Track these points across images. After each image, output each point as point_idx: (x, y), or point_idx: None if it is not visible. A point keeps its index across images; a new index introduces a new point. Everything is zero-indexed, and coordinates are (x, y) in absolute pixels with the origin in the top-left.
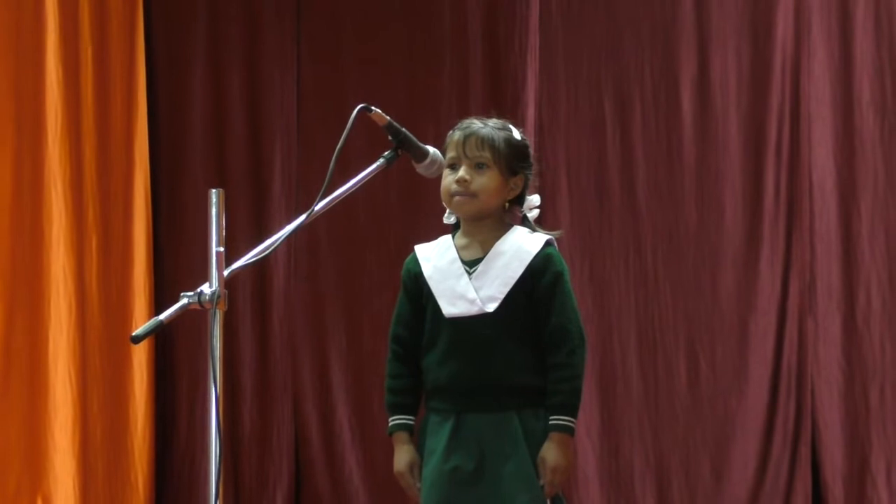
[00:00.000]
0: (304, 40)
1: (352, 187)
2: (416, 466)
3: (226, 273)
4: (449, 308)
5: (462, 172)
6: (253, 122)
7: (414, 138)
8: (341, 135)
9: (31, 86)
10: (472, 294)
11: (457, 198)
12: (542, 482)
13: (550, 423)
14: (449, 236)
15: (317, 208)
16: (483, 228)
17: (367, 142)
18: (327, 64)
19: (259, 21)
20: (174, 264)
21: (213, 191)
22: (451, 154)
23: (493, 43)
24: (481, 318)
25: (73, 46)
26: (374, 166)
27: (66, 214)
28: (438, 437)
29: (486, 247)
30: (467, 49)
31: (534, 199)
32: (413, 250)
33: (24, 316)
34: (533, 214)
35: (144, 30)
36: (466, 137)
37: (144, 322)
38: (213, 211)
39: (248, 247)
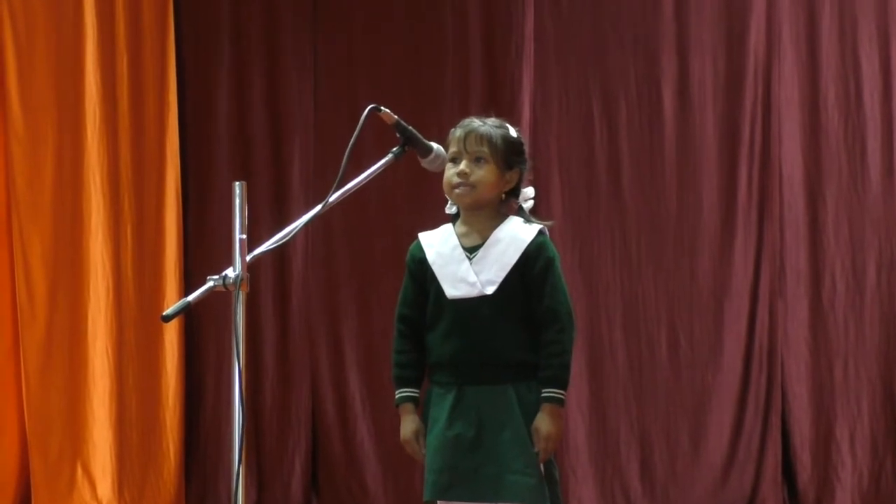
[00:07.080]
0: (320, 48)
1: (363, 180)
2: (421, 434)
3: (248, 258)
4: (451, 290)
5: (462, 166)
6: (273, 121)
7: (419, 136)
8: (353, 133)
9: (71, 89)
10: (472, 278)
11: (457, 189)
12: (536, 449)
13: (543, 395)
14: (450, 225)
15: (331, 199)
16: (481, 218)
17: (377, 139)
18: (341, 69)
19: (279, 30)
20: (202, 251)
21: (237, 183)
22: (452, 149)
23: (492, 50)
24: (481, 300)
25: (109, 54)
26: (383, 161)
27: (103, 205)
28: (441, 408)
29: (485, 235)
30: (468, 55)
31: (528, 192)
32: (417, 237)
33: (66, 297)
34: (528, 205)
35: (175, 38)
36: (467, 134)
37: (175, 303)
38: (237, 202)
39: (270, 235)
